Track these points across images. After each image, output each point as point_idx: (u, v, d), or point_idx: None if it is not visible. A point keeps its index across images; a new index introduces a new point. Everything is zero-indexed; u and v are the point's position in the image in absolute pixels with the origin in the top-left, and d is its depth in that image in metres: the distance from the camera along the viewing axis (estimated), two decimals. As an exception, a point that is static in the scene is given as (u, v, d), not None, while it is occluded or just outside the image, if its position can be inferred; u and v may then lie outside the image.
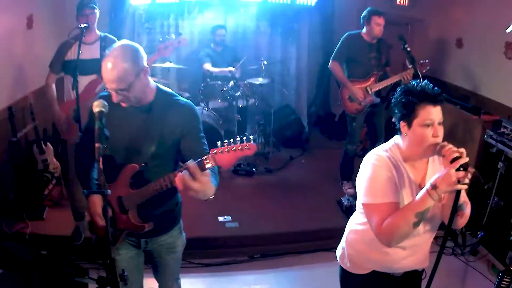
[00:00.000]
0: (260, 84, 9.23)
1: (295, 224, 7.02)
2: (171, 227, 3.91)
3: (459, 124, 7.74)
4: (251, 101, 9.23)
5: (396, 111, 3.32)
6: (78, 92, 5.48)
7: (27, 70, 7.56)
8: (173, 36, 6.00)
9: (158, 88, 3.58)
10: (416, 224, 3.01)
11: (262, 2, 10.00)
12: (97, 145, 2.93)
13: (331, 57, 7.65)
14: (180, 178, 2.93)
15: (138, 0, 9.27)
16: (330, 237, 6.46)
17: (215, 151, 3.00)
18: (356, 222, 3.65)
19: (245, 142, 3.00)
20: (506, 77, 7.49)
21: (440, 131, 3.14)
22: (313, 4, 10.10)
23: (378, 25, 7.25)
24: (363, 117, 7.74)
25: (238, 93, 8.71)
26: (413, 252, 3.44)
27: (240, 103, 9.02)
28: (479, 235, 6.61)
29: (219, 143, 3.03)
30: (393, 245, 3.22)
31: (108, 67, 3.20)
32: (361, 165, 3.41)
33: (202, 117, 8.07)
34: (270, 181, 8.49)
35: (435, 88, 3.20)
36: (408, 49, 6.81)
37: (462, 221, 3.27)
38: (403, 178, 3.28)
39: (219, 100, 8.87)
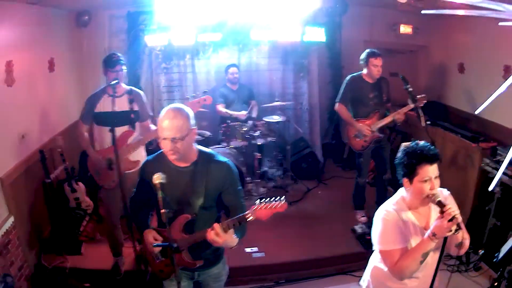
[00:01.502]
0: (277, 122, 9.91)
1: (314, 251, 7.69)
2: (217, 261, 4.68)
3: (460, 151, 8.42)
4: (269, 139, 9.86)
5: (399, 170, 4.08)
6: (116, 143, 5.93)
7: (52, 112, 8.03)
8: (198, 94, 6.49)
9: (199, 149, 4.32)
10: (422, 262, 3.87)
11: (273, 41, 10.54)
12: (163, 211, 3.82)
13: (336, 100, 8.31)
14: (209, 233, 3.93)
15: (155, 42, 9.70)
16: (346, 262, 7.52)
17: (255, 208, 3.90)
18: (378, 260, 4.48)
19: (278, 202, 3.91)
20: (504, 99, 7.86)
21: (437, 184, 3.92)
22: (323, 40, 10.65)
23: (375, 67, 7.83)
24: (369, 152, 8.32)
25: (257, 133, 9.36)
26: (425, 279, 4.15)
27: (259, 141, 9.64)
28: (480, 253, 7.26)
29: (257, 201, 3.93)
30: (406, 279, 4.09)
31: (170, 117, 3.94)
32: (374, 218, 4.25)
33: (224, 155, 8.78)
34: (289, 213, 8.44)
35: (432, 148, 3.94)
36: (410, 89, 7.38)
37: (462, 250, 3.97)
38: (409, 226, 4.08)
39: (240, 141, 9.49)
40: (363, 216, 8.72)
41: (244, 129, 9.47)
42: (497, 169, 7.08)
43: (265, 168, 10.52)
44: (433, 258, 4.04)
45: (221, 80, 10.62)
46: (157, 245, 4.25)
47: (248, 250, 7.68)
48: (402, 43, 11.17)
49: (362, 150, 8.28)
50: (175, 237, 4.15)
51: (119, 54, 6.59)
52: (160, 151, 4.26)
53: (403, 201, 4.17)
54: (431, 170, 3.88)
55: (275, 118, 9.92)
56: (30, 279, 6.64)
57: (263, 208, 3.89)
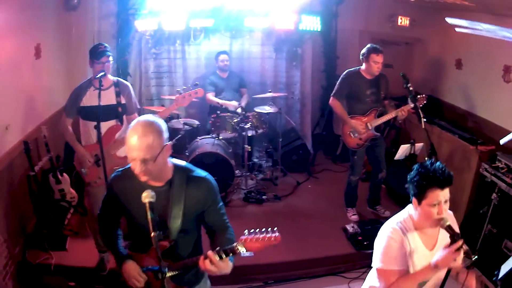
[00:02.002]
0: (267, 113, 9.72)
1: (304, 251, 7.54)
2: (200, 278, 4.31)
3: (457, 152, 8.34)
4: (260, 130, 9.59)
5: (410, 187, 3.94)
6: (101, 139, 5.78)
7: (37, 100, 7.77)
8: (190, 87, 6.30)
9: (175, 165, 3.86)
10: None
11: (267, 28, 10.42)
12: (153, 234, 3.45)
13: (332, 94, 8.13)
14: (202, 264, 3.57)
15: (145, 26, 9.58)
16: (336, 263, 7.43)
17: (244, 239, 3.55)
18: (374, 280, 4.29)
19: (271, 235, 3.60)
20: (503, 99, 7.96)
21: (445, 208, 3.78)
22: (319, 29, 10.63)
23: (376, 63, 7.64)
24: (364, 150, 8.23)
25: (248, 125, 9.14)
26: None
27: (250, 133, 9.45)
28: (473, 258, 7.30)
29: (246, 231, 3.57)
30: None
31: (137, 136, 3.43)
32: (379, 233, 4.10)
33: (214, 147, 8.73)
34: (279, 208, 8.99)
35: (446, 171, 3.76)
36: (411, 88, 7.19)
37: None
38: (414, 246, 3.92)
39: (229, 132, 9.32)
40: (354, 215, 8.62)
41: (234, 120, 9.26)
42: (496, 176, 6.99)
43: (255, 160, 10.43)
44: (432, 283, 3.99)
45: (211, 67, 10.53)
46: (147, 269, 3.93)
47: (236, 249, 7.44)
48: (399, 35, 11.06)
49: (357, 148, 8.18)
50: (153, 263, 3.90)
51: (105, 45, 6.34)
52: (128, 165, 3.77)
53: (411, 219, 4.04)
54: (441, 195, 3.74)
55: (267, 109, 9.74)
56: (15, 277, 6.42)
57: (253, 240, 3.58)
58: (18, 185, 7.14)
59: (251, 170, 9.98)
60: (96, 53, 6.20)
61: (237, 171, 9.38)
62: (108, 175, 5.72)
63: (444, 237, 3.86)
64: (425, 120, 7.11)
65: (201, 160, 8.53)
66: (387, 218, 7.76)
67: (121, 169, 3.94)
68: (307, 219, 8.63)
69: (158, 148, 3.53)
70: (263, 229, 3.61)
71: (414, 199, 3.91)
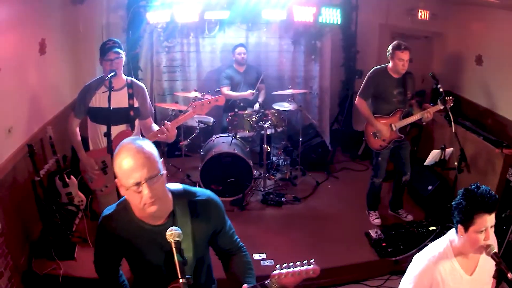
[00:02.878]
0: (286, 110, 9.36)
1: (326, 258, 7.15)
2: None
3: (481, 154, 8.05)
4: (279, 129, 9.33)
5: (455, 213, 3.68)
6: (111, 146, 5.42)
7: (42, 99, 7.42)
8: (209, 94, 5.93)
9: (173, 193, 3.39)
10: None
11: (284, 20, 10.11)
12: (181, 280, 2.95)
13: (358, 94, 7.81)
14: None
15: (157, 19, 9.30)
16: (360, 271, 7.13)
17: (278, 275, 3.26)
18: None
19: (307, 267, 3.30)
20: None
21: (491, 233, 3.58)
22: (338, 22, 10.28)
23: (400, 60, 7.30)
24: (388, 151, 7.92)
25: (267, 124, 8.81)
26: None
27: (268, 131, 9.11)
28: (509, 276, 6.96)
29: (278, 266, 3.31)
30: None
31: (133, 152, 3.05)
32: (411, 264, 3.88)
33: (231, 147, 8.44)
34: (298, 211, 8.69)
35: (493, 195, 3.56)
36: (441, 89, 6.95)
37: None
38: (455, 276, 3.71)
39: (248, 131, 9.04)
40: (376, 218, 8.32)
41: (253, 118, 8.93)
42: None
43: (273, 159, 10.10)
44: None
45: (226, 60, 10.29)
46: None
47: (256, 256, 7.17)
48: (418, 28, 10.79)
49: (380, 149, 7.84)
50: None
51: (115, 40, 5.89)
52: (115, 205, 3.44)
53: (451, 248, 3.80)
54: (489, 220, 3.55)
55: (286, 106, 9.34)
56: (21, 288, 6.17)
57: (288, 275, 3.28)
58: (22, 190, 6.73)
59: (269, 169, 9.65)
60: (103, 50, 5.81)
61: (255, 172, 9.05)
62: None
63: (485, 262, 3.74)
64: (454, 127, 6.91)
65: (217, 160, 8.31)
66: (409, 223, 7.44)
67: (110, 209, 3.45)
68: (328, 223, 8.32)
69: (158, 162, 3.12)
70: (298, 262, 3.30)
71: (460, 226, 3.66)
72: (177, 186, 3.48)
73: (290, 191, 9.29)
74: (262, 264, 7.02)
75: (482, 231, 3.52)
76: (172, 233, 3.02)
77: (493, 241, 3.64)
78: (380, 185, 8.21)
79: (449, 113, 6.88)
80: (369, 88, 7.67)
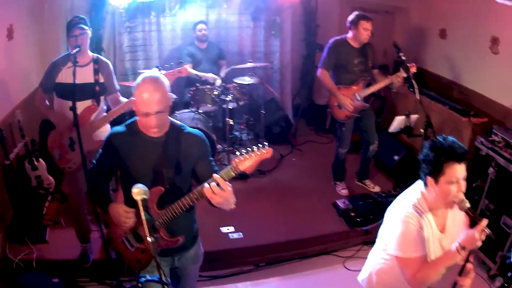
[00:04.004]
0: (248, 84, 9.33)
1: (294, 230, 7.24)
2: (195, 241, 4.43)
3: (447, 124, 8.09)
4: (241, 102, 9.21)
5: (423, 166, 3.72)
6: (77, 121, 5.33)
7: (10, 84, 7.26)
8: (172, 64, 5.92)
9: (170, 121, 4.01)
10: (444, 274, 3.55)
11: None
12: (149, 239, 3.22)
13: (319, 65, 7.72)
14: (209, 189, 3.49)
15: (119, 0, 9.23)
16: (329, 241, 7.14)
17: (237, 159, 3.48)
18: (383, 260, 4.11)
19: (261, 148, 3.49)
20: (491, 71, 7.72)
21: (463, 186, 3.62)
22: None
23: (365, 30, 7.35)
24: (352, 121, 7.92)
25: (229, 97, 8.76)
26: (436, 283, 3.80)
27: (230, 106, 8.97)
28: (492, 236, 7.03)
29: (237, 152, 3.52)
30: None
31: (151, 90, 3.61)
32: (392, 214, 3.91)
33: (193, 121, 8.32)
34: (264, 184, 8.69)
35: (462, 145, 3.62)
36: (403, 57, 6.94)
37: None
38: (428, 229, 3.74)
39: (210, 105, 8.98)
40: (344, 189, 8.36)
41: (214, 92, 8.91)
42: (493, 150, 6.77)
43: (236, 133, 10.02)
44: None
45: (188, 38, 10.18)
46: (147, 280, 3.68)
47: (224, 230, 7.20)
48: (379, 3, 10.73)
49: (345, 120, 7.81)
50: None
51: (81, 17, 5.88)
52: (130, 121, 4.01)
53: (424, 200, 3.82)
54: (460, 170, 3.57)
55: (247, 80, 9.33)
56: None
57: (246, 158, 3.50)
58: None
59: (233, 144, 9.59)
60: (69, 26, 5.81)
61: (218, 146, 9.11)
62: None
63: (453, 219, 3.90)
64: (412, 89, 7.02)
65: None
66: (378, 193, 7.44)
67: (123, 124, 4.03)
68: (295, 195, 8.30)
69: (167, 100, 3.76)
70: (254, 147, 3.53)
71: (429, 179, 3.68)
72: (177, 121, 4.10)
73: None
74: (230, 237, 7.04)
75: (453, 182, 3.55)
76: (138, 191, 3.32)
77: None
78: (345, 155, 8.23)
79: (412, 80, 6.86)
80: (330, 59, 7.63)
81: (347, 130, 7.95)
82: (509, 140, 6.57)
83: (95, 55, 6.07)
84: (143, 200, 3.29)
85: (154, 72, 4.04)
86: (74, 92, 5.40)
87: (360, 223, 7.20)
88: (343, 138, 8.04)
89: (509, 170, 6.39)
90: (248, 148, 3.51)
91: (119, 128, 4.01)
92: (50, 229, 6.93)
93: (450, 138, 3.68)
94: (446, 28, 9.09)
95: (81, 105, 5.70)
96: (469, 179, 7.16)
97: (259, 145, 3.52)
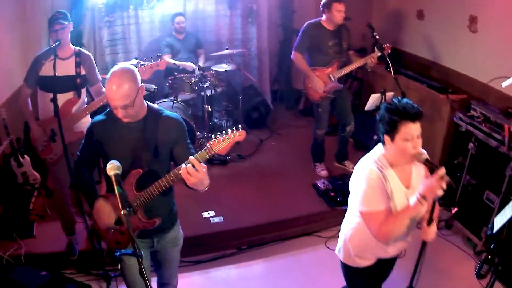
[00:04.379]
0: (225, 71, 9.44)
1: (275, 212, 7.35)
2: (174, 223, 4.53)
3: (426, 102, 8.14)
4: (219, 89, 9.33)
5: (380, 126, 3.91)
6: (58, 113, 5.49)
7: None
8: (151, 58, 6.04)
9: (148, 105, 4.14)
10: (409, 226, 3.75)
11: None
12: (123, 212, 3.31)
13: (293, 48, 7.84)
14: (185, 170, 3.56)
15: None
16: (310, 222, 7.23)
17: (212, 142, 3.58)
18: (353, 223, 4.29)
19: (235, 131, 3.59)
20: (471, 49, 7.77)
21: (419, 143, 3.79)
22: None
23: (339, 12, 7.41)
24: (329, 102, 8.03)
25: (206, 84, 8.82)
26: (405, 238, 4.18)
27: (208, 93, 9.01)
28: (453, 211, 7.15)
29: (213, 136, 3.62)
30: (390, 243, 4.01)
31: (114, 87, 3.71)
32: (355, 175, 4.09)
33: (173, 110, 8.31)
34: (244, 168, 8.80)
35: (415, 106, 3.80)
36: (377, 37, 7.08)
37: (429, 235, 3.94)
38: (393, 182, 3.92)
39: (188, 93, 9.06)
40: (323, 170, 8.50)
41: (192, 80, 8.99)
42: (472, 125, 6.88)
43: (215, 120, 10.16)
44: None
45: (165, 30, 10.23)
46: (122, 254, 3.61)
47: (205, 214, 7.30)
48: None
49: (320, 100, 7.95)
50: (128, 197, 3.91)
51: (61, 11, 5.99)
52: (108, 109, 4.11)
53: (384, 158, 4.02)
54: (414, 128, 3.78)
55: (224, 67, 9.45)
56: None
57: (220, 141, 3.61)
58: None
59: (212, 131, 9.54)
60: (50, 22, 5.91)
61: (198, 133, 9.17)
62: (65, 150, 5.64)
63: (418, 174, 4.08)
64: (389, 69, 7.06)
65: None
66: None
67: (103, 113, 4.17)
68: (274, 178, 8.42)
69: (134, 93, 3.80)
70: (229, 130, 3.64)
71: (386, 137, 3.88)
72: (156, 106, 4.25)
73: (234, 150, 9.15)
74: (211, 221, 7.15)
75: (408, 140, 3.74)
76: (111, 166, 3.49)
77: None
78: (323, 136, 8.34)
79: (387, 59, 6.99)
80: (304, 42, 7.77)
81: (324, 111, 8.06)
82: (488, 114, 6.67)
83: (77, 48, 6.17)
84: (116, 175, 3.45)
85: (126, 64, 4.15)
86: (55, 84, 5.61)
87: (340, 203, 7.29)
88: (320, 119, 8.15)
89: (489, 145, 6.50)
90: (223, 132, 3.61)
91: (99, 117, 4.15)
92: (37, 224, 7.01)
93: (405, 100, 3.88)
94: (423, 8, 9.14)
95: (63, 97, 5.87)
96: (450, 156, 7.40)
97: (233, 128, 3.63)
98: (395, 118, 3.76)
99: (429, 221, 3.85)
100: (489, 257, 4.97)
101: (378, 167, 3.92)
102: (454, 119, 7.24)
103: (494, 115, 6.58)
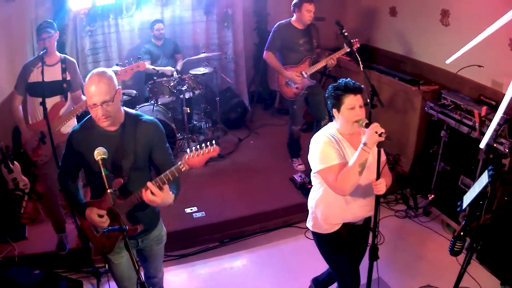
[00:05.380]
0: (203, 74, 9.58)
1: (256, 206, 7.55)
2: (157, 222, 4.62)
3: (398, 95, 8.36)
4: (197, 91, 9.45)
5: (328, 102, 4.51)
6: (47, 115, 5.72)
7: None
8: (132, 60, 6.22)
9: (125, 111, 4.19)
10: (360, 172, 4.16)
11: None
12: (109, 190, 3.54)
13: (265, 48, 8.04)
14: (144, 194, 3.79)
15: (79, 5, 9.39)
16: (289, 214, 7.45)
17: (187, 157, 3.72)
18: (317, 193, 4.78)
19: (209, 147, 3.70)
20: (443, 42, 7.84)
21: (362, 112, 4.33)
22: None
23: (308, 12, 7.65)
24: (302, 98, 8.21)
25: (185, 87, 8.96)
26: (365, 202, 4.61)
27: (187, 95, 9.16)
28: (430, 198, 7.36)
29: (188, 150, 3.81)
30: (348, 193, 4.33)
31: (95, 82, 3.79)
32: (311, 145, 4.56)
33: (154, 113, 8.54)
34: (224, 167, 8.90)
35: (355, 82, 4.40)
36: (346, 34, 7.13)
37: (380, 188, 4.27)
38: (346, 149, 4.44)
39: (167, 96, 9.19)
40: (300, 164, 8.68)
41: (171, 84, 9.12)
42: (444, 113, 7.08)
43: (194, 122, 10.31)
44: (364, 181, 4.44)
45: (145, 36, 10.33)
46: (109, 231, 3.86)
47: (188, 210, 7.42)
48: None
49: (294, 97, 8.12)
50: (110, 205, 3.96)
51: (48, 21, 6.25)
52: (85, 118, 4.18)
53: (336, 130, 4.55)
54: (356, 99, 4.34)
55: (202, 70, 9.61)
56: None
57: (195, 156, 3.73)
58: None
59: (192, 132, 9.84)
60: (38, 31, 6.19)
61: (178, 135, 9.24)
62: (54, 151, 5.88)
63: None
64: (362, 65, 7.06)
65: None
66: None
67: (79, 124, 4.20)
68: (253, 174, 8.57)
69: (113, 90, 3.88)
70: (203, 145, 3.74)
71: (334, 110, 4.46)
72: (133, 111, 4.29)
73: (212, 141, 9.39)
74: (194, 216, 7.30)
75: (352, 109, 4.31)
76: (99, 152, 3.68)
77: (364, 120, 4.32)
78: (299, 132, 8.55)
79: (356, 54, 7.05)
80: (275, 41, 7.97)
81: (298, 107, 8.26)
82: (459, 102, 6.86)
83: (63, 55, 6.43)
84: (103, 159, 3.64)
85: (99, 68, 4.09)
86: (43, 89, 5.83)
87: (317, 194, 7.44)
88: (295, 116, 8.36)
89: (460, 131, 6.73)
90: (197, 146, 3.72)
91: (77, 127, 4.18)
92: (28, 226, 7.13)
93: (348, 79, 4.45)
94: (395, 5, 9.28)
95: (51, 101, 6.10)
96: (425, 146, 7.62)
97: (207, 143, 3.74)
98: (339, 92, 4.36)
99: (378, 175, 4.24)
100: (462, 233, 5.12)
101: (329, 134, 4.49)
102: (426, 108, 7.42)
103: (465, 103, 6.77)
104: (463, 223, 5.37)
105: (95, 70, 3.96)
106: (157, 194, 3.77)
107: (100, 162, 3.64)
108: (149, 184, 3.77)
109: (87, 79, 3.89)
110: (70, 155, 4.22)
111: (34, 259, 6.56)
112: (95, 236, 4.36)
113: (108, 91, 3.84)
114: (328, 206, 4.66)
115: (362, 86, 4.43)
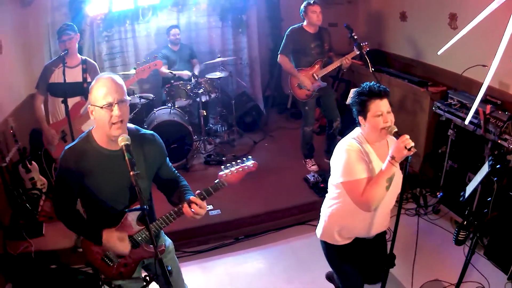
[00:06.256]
0: (219, 78, 9.63)
1: (270, 204, 7.58)
2: (158, 236, 4.18)
3: (408, 96, 8.35)
4: (213, 95, 9.57)
5: (353, 109, 4.20)
6: (69, 114, 5.90)
7: (1, 95, 7.42)
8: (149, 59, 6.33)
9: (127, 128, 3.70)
10: (388, 188, 3.92)
11: None
12: (132, 173, 3.21)
13: (279, 52, 8.13)
14: (187, 210, 3.66)
15: (96, 11, 9.47)
16: (302, 212, 7.47)
17: (225, 175, 3.69)
18: (334, 203, 4.47)
19: (246, 162, 3.76)
20: (453, 45, 7.75)
21: (390, 118, 4.03)
22: None
23: (314, 12, 7.78)
24: (314, 100, 8.25)
25: (201, 90, 9.00)
26: (383, 218, 4.41)
27: (203, 98, 9.29)
28: (439, 196, 7.36)
29: (223, 167, 3.73)
30: (373, 209, 4.06)
31: (109, 81, 3.45)
32: (336, 151, 4.25)
33: (171, 115, 8.65)
34: None
35: (381, 86, 4.10)
36: (355, 37, 7.29)
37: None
38: (372, 158, 4.15)
39: (184, 99, 9.24)
40: (313, 165, 8.68)
41: (187, 87, 9.17)
42: (450, 112, 7.13)
43: (211, 125, 10.36)
44: (387, 196, 4.09)
45: (161, 42, 10.38)
46: (130, 210, 3.65)
47: (204, 208, 7.40)
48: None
49: (306, 99, 8.17)
50: (129, 232, 3.75)
51: (68, 23, 6.47)
52: (78, 138, 3.71)
53: (362, 136, 4.25)
54: (383, 105, 4.04)
55: (218, 75, 9.66)
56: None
57: (233, 172, 3.73)
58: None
59: (208, 135, 9.91)
60: (59, 33, 6.37)
61: (195, 137, 9.24)
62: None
63: None
64: (373, 69, 7.14)
65: (159, 130, 8.25)
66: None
67: (70, 145, 3.68)
68: (268, 174, 8.51)
69: (125, 92, 3.57)
70: (239, 160, 3.76)
71: (360, 118, 4.17)
72: (131, 125, 3.83)
73: (229, 151, 9.51)
74: (210, 214, 7.28)
75: (379, 115, 4.01)
76: (123, 138, 3.41)
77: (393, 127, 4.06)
78: (311, 133, 8.56)
79: (365, 56, 7.17)
80: (288, 45, 8.06)
81: (310, 109, 8.29)
82: (465, 101, 6.90)
83: (84, 57, 6.65)
84: (126, 145, 3.36)
85: (106, 73, 3.65)
86: (65, 88, 5.96)
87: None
88: (307, 117, 8.39)
89: (467, 129, 6.75)
90: (233, 163, 3.73)
91: (70, 145, 3.70)
92: (45, 224, 7.15)
93: (372, 83, 4.19)
94: (406, 10, 9.28)
95: (71, 101, 6.27)
96: (434, 146, 7.62)
97: (243, 159, 3.77)
98: (364, 98, 4.06)
99: (402, 190, 4.00)
100: (465, 223, 5.15)
101: (357, 142, 4.15)
102: (433, 108, 7.46)
103: (470, 102, 6.77)
104: (466, 213, 5.41)
105: (102, 74, 3.62)
106: (203, 206, 3.67)
107: (124, 148, 3.35)
108: (193, 198, 3.64)
109: (93, 82, 3.55)
110: (66, 179, 3.69)
111: (50, 255, 6.63)
112: (109, 267, 3.89)
113: (123, 91, 3.52)
114: (344, 219, 4.42)
115: (388, 89, 4.15)
